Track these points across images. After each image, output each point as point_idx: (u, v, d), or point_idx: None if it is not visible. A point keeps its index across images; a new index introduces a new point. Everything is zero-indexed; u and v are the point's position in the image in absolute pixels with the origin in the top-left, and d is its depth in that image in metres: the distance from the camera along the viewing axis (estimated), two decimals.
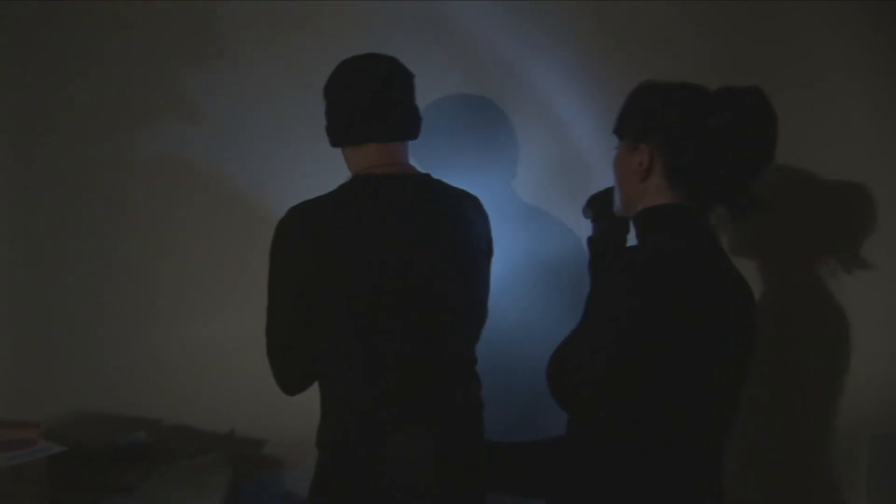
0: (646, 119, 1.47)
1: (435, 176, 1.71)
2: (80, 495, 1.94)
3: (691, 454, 1.40)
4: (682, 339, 1.33)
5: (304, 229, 1.57)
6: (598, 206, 1.74)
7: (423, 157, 2.01)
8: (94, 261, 2.18)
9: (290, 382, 1.66)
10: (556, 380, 1.40)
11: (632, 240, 1.61)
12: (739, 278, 1.45)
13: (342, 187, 1.64)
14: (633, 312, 1.32)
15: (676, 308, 1.33)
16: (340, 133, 1.68)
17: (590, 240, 1.76)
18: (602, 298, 1.41)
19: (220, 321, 2.14)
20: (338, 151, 1.72)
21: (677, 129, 1.43)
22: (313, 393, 1.69)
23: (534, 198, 2.14)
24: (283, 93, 2.02)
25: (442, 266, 1.61)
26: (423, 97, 1.75)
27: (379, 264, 1.56)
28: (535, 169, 2.12)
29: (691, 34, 2.08)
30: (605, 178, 1.72)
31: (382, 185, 1.62)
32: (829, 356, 2.08)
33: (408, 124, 1.69)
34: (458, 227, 1.66)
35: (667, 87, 1.49)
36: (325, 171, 1.77)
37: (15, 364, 2.18)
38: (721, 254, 1.46)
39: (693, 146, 1.43)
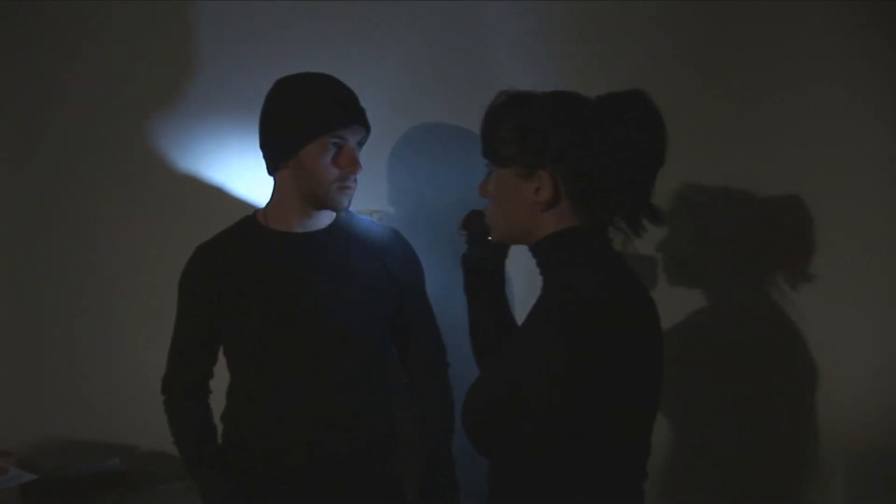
0: (538, 142, 1.34)
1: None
2: None
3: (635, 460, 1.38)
4: (633, 344, 1.30)
5: None
6: (474, 227, 1.64)
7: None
8: (68, 287, 2.19)
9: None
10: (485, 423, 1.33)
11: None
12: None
13: None
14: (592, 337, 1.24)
15: (626, 314, 1.30)
16: None
17: (465, 259, 1.67)
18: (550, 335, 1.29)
19: None
20: None
21: (579, 149, 1.32)
22: None
23: None
24: None
25: None
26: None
27: None
28: None
29: (684, 34, 2.06)
30: None
31: None
32: (802, 374, 2.06)
33: None
34: None
35: (546, 101, 1.37)
36: None
37: None
38: (629, 268, 1.42)
39: (598, 165, 1.32)
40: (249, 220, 1.83)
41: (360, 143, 1.76)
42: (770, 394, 2.08)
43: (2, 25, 2.16)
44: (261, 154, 1.78)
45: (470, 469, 1.81)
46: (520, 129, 1.36)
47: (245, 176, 2.15)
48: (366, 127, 1.75)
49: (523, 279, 2.10)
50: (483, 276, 1.67)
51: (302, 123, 1.69)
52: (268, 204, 1.81)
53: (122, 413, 2.16)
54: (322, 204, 1.74)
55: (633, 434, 1.34)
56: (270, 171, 1.78)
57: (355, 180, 1.74)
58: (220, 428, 1.85)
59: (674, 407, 2.05)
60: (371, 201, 2.09)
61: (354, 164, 1.72)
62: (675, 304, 2.03)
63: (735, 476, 2.10)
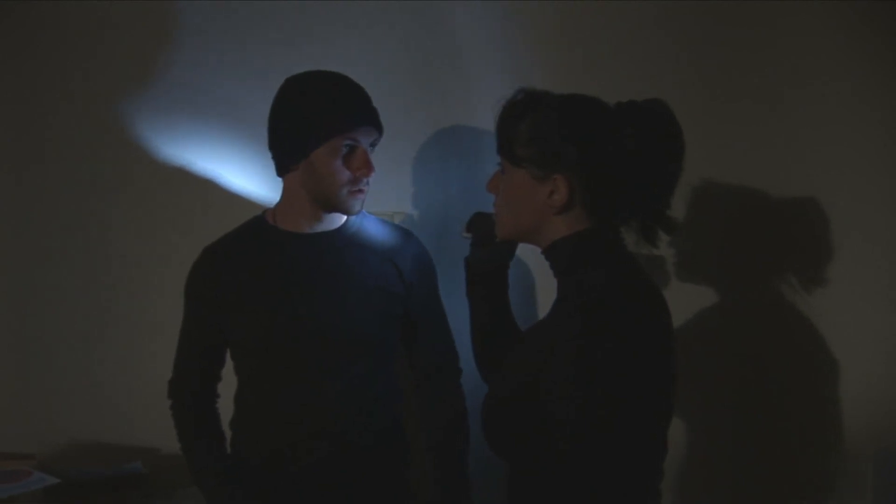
0: (557, 147, 1.33)
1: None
2: None
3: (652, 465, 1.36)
4: (650, 345, 1.30)
5: None
6: (479, 229, 1.65)
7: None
8: (89, 289, 2.20)
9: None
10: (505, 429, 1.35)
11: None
12: None
13: None
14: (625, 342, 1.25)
15: (643, 316, 1.31)
16: None
17: (468, 263, 1.68)
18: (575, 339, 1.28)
19: None
20: None
21: (597, 157, 1.32)
22: None
23: None
24: None
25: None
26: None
27: None
28: None
29: (682, 35, 2.04)
30: None
31: None
32: (822, 372, 2.02)
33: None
34: None
35: (567, 106, 1.37)
36: None
37: (9, 395, 2.20)
38: (642, 268, 1.41)
39: (615, 174, 1.33)
40: (258, 220, 1.81)
41: (373, 145, 1.73)
42: (791, 393, 2.05)
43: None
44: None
45: (485, 476, 1.80)
46: (539, 132, 1.35)
47: (243, 171, 2.17)
48: (378, 128, 1.72)
49: (540, 282, 2.09)
50: (486, 278, 1.67)
51: (313, 125, 1.65)
52: (277, 204, 1.79)
53: (144, 416, 2.15)
54: (333, 207, 1.72)
55: (651, 434, 1.33)
56: (279, 172, 1.75)
57: (367, 183, 1.71)
58: (228, 435, 1.83)
59: (691, 407, 2.03)
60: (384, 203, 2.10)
61: (367, 167, 1.68)
62: (688, 303, 2.01)
63: (756, 477, 2.06)
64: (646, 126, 1.33)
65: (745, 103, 2.00)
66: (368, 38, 2.10)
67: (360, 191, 1.70)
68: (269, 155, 1.74)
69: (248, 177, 2.16)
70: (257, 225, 1.80)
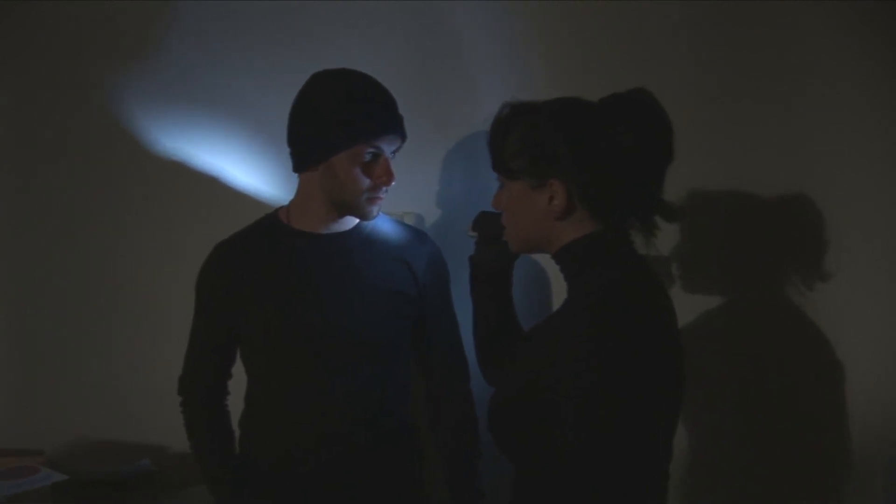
0: (546, 153, 1.34)
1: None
2: None
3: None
4: (658, 345, 1.30)
5: None
6: (486, 229, 1.66)
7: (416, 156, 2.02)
8: (98, 287, 2.23)
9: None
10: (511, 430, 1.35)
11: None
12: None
13: None
14: (626, 344, 1.25)
15: (651, 317, 1.31)
16: None
17: (472, 261, 1.70)
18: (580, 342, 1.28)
19: None
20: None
21: (586, 157, 1.32)
22: None
23: None
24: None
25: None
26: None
27: None
28: None
29: (687, 35, 2.02)
30: None
31: None
32: (829, 374, 1.99)
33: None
34: None
35: (550, 111, 1.36)
36: None
37: (18, 392, 2.23)
38: (650, 269, 1.41)
39: (607, 170, 1.32)
40: (271, 217, 1.80)
41: (395, 152, 1.70)
42: (795, 394, 2.02)
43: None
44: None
45: (491, 476, 1.79)
46: (526, 142, 1.36)
47: (251, 169, 2.18)
48: (403, 136, 1.70)
49: (554, 283, 2.09)
50: (491, 277, 1.67)
51: (336, 130, 1.62)
52: (292, 202, 1.77)
53: (153, 413, 2.17)
54: (349, 212, 1.71)
55: (652, 435, 1.32)
56: (297, 170, 1.73)
57: (386, 191, 1.70)
58: (237, 434, 1.84)
59: (694, 409, 2.00)
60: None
61: (388, 176, 1.66)
62: (688, 304, 1.99)
63: (761, 479, 2.04)
64: (639, 120, 1.32)
65: (746, 103, 1.97)
66: (368, 38, 2.10)
67: (379, 198, 1.69)
68: (276, 152, 1.74)
69: (255, 174, 2.17)
70: (270, 223, 1.79)
